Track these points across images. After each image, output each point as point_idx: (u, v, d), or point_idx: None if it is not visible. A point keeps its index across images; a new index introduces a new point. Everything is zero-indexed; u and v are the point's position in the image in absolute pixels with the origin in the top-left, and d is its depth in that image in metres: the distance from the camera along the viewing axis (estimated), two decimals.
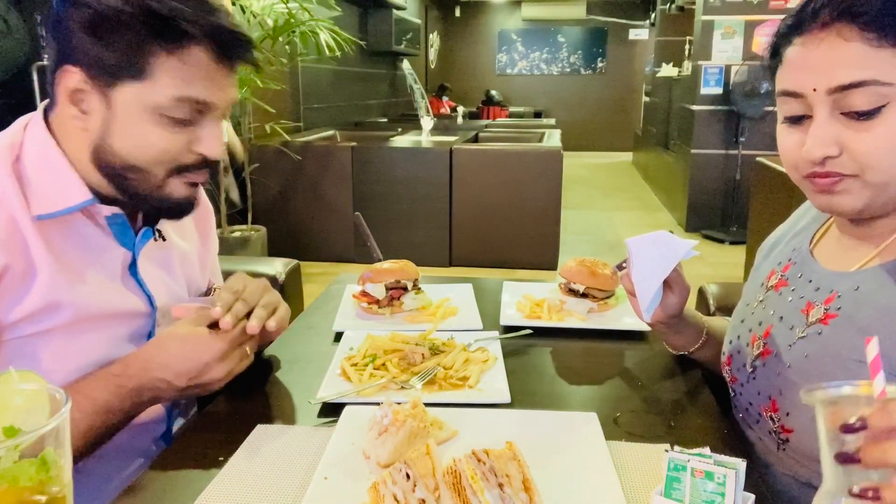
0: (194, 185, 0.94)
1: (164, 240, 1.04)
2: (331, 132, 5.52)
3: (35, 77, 2.71)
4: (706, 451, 0.67)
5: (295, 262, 2.15)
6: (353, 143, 4.77)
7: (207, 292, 1.16)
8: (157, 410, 1.02)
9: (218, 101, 0.89)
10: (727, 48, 5.54)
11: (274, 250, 4.28)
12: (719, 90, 5.62)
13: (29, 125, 0.92)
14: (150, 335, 1.01)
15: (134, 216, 1.00)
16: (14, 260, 0.84)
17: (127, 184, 0.90)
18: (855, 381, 0.53)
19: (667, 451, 0.68)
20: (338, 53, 4.10)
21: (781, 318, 0.90)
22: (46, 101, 0.94)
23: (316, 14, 4.11)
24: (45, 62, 2.78)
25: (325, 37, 4.00)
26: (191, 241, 1.14)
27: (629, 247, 0.99)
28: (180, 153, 0.88)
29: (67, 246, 0.90)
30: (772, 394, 0.88)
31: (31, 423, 0.46)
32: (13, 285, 0.84)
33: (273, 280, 1.98)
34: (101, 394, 0.87)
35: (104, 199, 0.93)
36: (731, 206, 5.60)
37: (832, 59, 0.74)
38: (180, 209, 0.95)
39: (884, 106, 0.73)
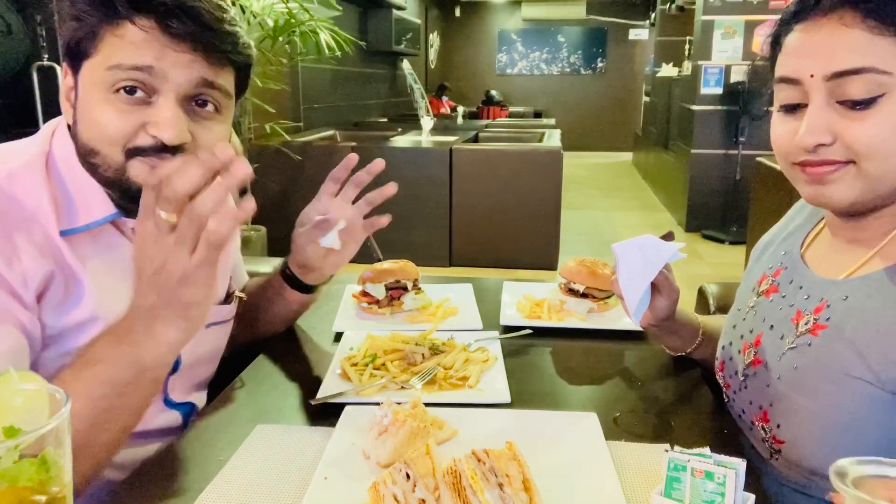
0: None
1: None
2: (331, 132, 5.52)
3: (35, 77, 2.71)
4: (706, 451, 0.67)
5: None
6: (353, 143, 4.77)
7: (227, 298, 1.12)
8: (173, 418, 1.01)
9: (167, 72, 0.82)
10: (727, 48, 5.54)
11: (274, 250, 4.28)
12: (719, 90, 5.62)
13: (56, 131, 0.90)
14: None
15: None
16: (57, 268, 0.82)
17: (95, 170, 0.86)
18: None
19: (667, 451, 0.68)
20: (338, 53, 4.10)
21: (772, 326, 0.89)
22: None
23: (316, 14, 4.11)
24: (45, 62, 2.79)
25: (325, 37, 4.00)
26: None
27: (615, 251, 0.99)
28: (132, 133, 0.83)
29: (96, 258, 0.88)
30: (762, 404, 0.87)
31: (31, 423, 0.46)
32: (58, 295, 0.82)
33: None
34: (94, 348, 0.77)
35: (128, 207, 0.90)
36: (731, 206, 5.60)
37: (831, 44, 0.74)
38: None
39: (881, 96, 0.72)
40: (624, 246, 0.99)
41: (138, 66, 0.81)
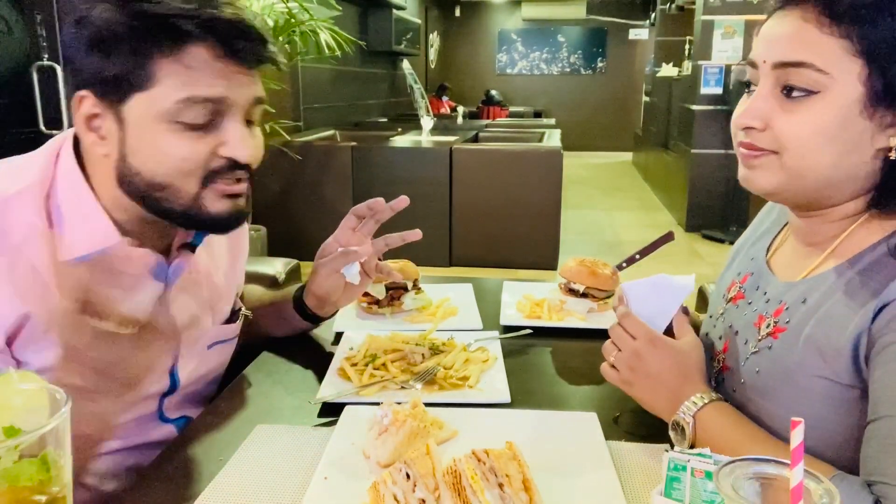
0: (233, 197, 0.86)
1: (197, 271, 1.00)
2: (331, 132, 5.52)
3: (35, 77, 2.71)
4: (706, 451, 0.67)
5: (295, 262, 2.14)
6: (353, 143, 4.77)
7: (233, 317, 1.10)
8: (168, 431, 1.01)
9: (234, 98, 0.81)
10: (727, 48, 5.54)
11: (274, 250, 4.27)
12: (719, 90, 5.62)
13: (61, 157, 0.86)
14: (173, 365, 0.99)
15: (168, 246, 0.94)
16: (36, 308, 0.79)
17: (158, 204, 0.83)
18: (784, 461, 0.50)
19: (667, 451, 0.68)
20: (338, 53, 4.09)
21: (737, 332, 0.89)
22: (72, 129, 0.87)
23: (316, 14, 4.11)
24: (45, 62, 2.79)
25: (325, 36, 4.00)
26: (219, 261, 1.07)
27: (625, 292, 0.93)
28: (206, 160, 0.81)
29: (99, 286, 0.85)
30: None
31: (31, 423, 0.46)
32: (35, 335, 0.79)
33: (273, 280, 1.98)
34: None
35: (135, 231, 0.87)
36: (731, 206, 5.60)
37: (784, 34, 0.76)
38: (220, 225, 0.88)
39: (815, 93, 0.74)
40: (634, 287, 0.93)
41: (212, 97, 0.79)
